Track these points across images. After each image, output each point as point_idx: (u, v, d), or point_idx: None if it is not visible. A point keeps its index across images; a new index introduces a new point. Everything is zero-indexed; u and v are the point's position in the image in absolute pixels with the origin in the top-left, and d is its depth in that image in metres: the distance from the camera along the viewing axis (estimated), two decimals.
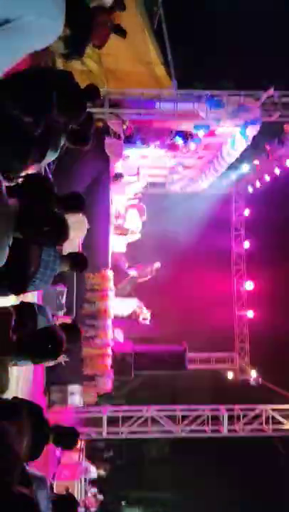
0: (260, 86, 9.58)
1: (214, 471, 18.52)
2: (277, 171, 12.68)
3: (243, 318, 15.74)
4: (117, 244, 11.79)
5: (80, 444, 11.04)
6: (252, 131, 9.66)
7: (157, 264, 13.24)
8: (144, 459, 19.08)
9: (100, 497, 14.24)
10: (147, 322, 12.69)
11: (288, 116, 9.56)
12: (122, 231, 12.08)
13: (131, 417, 10.14)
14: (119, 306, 11.86)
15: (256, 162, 12.93)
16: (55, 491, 9.00)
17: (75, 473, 10.08)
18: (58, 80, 2.99)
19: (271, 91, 9.20)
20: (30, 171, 3.14)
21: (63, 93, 2.89)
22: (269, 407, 10.37)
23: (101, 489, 14.92)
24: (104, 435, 10.15)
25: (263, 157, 12.44)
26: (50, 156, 3.22)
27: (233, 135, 10.28)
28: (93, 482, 13.81)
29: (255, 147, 11.83)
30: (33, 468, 2.81)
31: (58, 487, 9.34)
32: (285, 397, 11.64)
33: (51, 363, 7.75)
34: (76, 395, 9.43)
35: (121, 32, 5.56)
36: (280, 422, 10.35)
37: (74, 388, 9.29)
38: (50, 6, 1.25)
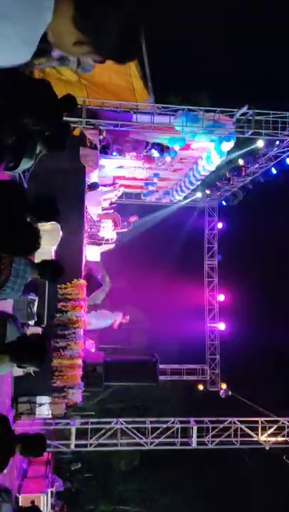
0: (235, 103, 9.80)
1: (183, 483, 18.47)
2: (250, 186, 12.98)
3: (215, 331, 15.88)
4: (90, 254, 11.74)
5: (47, 456, 10.84)
6: (226, 146, 9.86)
7: (134, 218, 13.15)
8: (112, 471, 18.84)
9: (67, 510, 13.96)
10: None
11: (261, 134, 9.80)
12: (97, 240, 12.05)
13: (100, 429, 10.04)
14: (97, 322, 11.81)
15: (230, 177, 13.19)
16: (20, 504, 8.81)
17: (41, 486, 9.86)
18: (35, 88, 2.99)
19: (245, 108, 9.43)
20: (4, 178, 3.11)
21: (39, 101, 2.89)
22: (237, 419, 10.44)
23: (68, 502, 14.63)
24: (73, 447, 10.00)
25: (237, 172, 12.70)
26: (26, 164, 3.20)
27: (208, 150, 10.47)
28: (60, 495, 13.53)
29: (229, 162, 12.09)
30: None
31: (24, 500, 9.11)
32: (253, 409, 11.76)
33: (20, 373, 7.61)
34: (44, 407, 9.26)
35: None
36: (248, 435, 10.43)
37: (42, 399, 9.12)
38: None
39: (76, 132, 9.35)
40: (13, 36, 1.13)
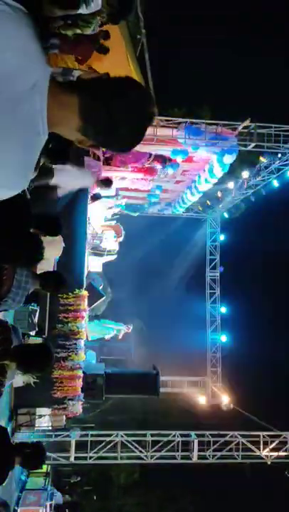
0: (237, 116, 9.89)
1: (183, 498, 18.23)
2: (252, 199, 13.02)
3: (216, 343, 15.80)
4: (93, 264, 11.74)
5: (47, 468, 10.72)
6: (229, 159, 9.91)
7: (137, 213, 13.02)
8: (112, 485, 18.61)
9: None
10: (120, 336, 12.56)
11: (263, 147, 9.86)
12: (99, 251, 12.06)
13: (100, 442, 9.94)
14: (100, 331, 11.78)
15: (232, 189, 13.24)
16: None
17: (40, 499, 9.74)
18: None
19: (248, 121, 9.50)
20: None
21: None
22: (239, 433, 10.32)
23: None
24: (72, 460, 9.90)
25: (239, 184, 12.76)
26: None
27: (211, 162, 10.52)
28: (59, 508, 13.35)
29: (231, 175, 12.14)
30: None
31: None
32: (255, 423, 11.64)
33: (20, 384, 7.56)
34: (44, 418, 9.19)
35: (104, 50, 5.73)
36: (249, 449, 10.31)
37: (42, 411, 9.05)
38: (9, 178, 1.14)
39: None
40: (13, 170, 1.10)
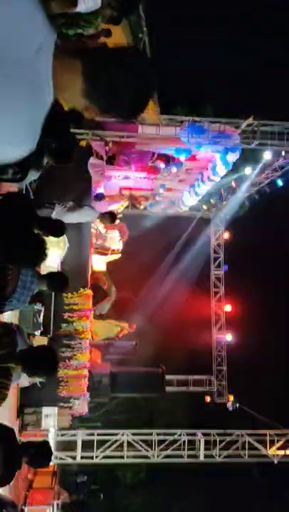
0: (240, 114, 9.85)
1: (189, 497, 18.24)
2: (256, 196, 12.97)
3: (222, 341, 15.76)
4: (97, 264, 11.76)
5: (53, 467, 10.76)
6: (232, 157, 9.88)
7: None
8: (118, 484, 18.64)
9: None
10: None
11: (267, 145, 9.82)
12: (103, 250, 12.07)
13: (106, 441, 9.96)
14: (104, 332, 11.80)
15: (236, 187, 13.20)
16: None
17: (47, 498, 9.77)
18: None
19: (251, 119, 9.46)
20: (12, 189, 3.14)
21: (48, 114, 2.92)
22: (245, 432, 10.30)
23: None
24: (78, 459, 9.92)
25: (243, 182, 12.70)
26: (33, 175, 3.22)
27: (214, 160, 10.50)
28: (66, 507, 13.40)
29: (235, 172, 12.09)
30: (2, 493, 2.73)
31: None
32: (262, 422, 11.61)
33: (26, 384, 7.59)
34: (50, 418, 9.22)
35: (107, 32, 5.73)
36: (256, 448, 10.29)
37: (48, 410, 9.08)
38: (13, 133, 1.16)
39: (82, 144, 9.43)
40: (22, 128, 1.15)
